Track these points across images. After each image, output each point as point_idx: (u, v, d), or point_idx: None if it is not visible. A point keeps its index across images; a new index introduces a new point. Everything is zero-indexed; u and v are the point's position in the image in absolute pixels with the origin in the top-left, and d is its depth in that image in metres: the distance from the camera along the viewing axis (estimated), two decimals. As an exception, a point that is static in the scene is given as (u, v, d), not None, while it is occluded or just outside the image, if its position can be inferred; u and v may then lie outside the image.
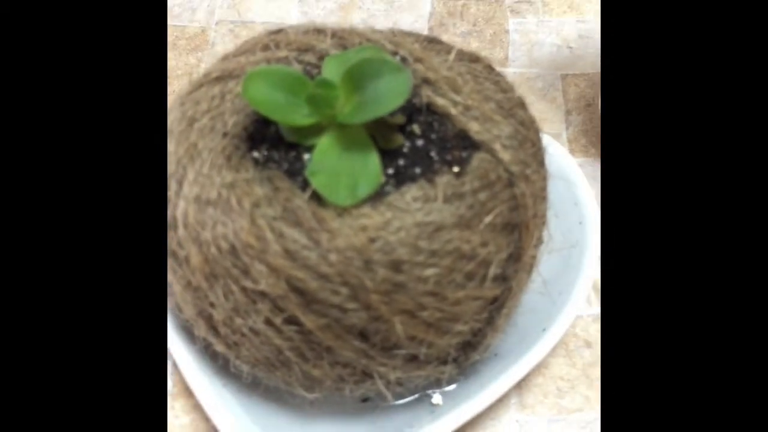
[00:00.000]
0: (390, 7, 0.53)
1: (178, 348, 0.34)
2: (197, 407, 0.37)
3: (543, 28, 0.52)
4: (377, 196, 0.27)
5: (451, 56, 0.32)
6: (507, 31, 0.52)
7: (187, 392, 0.37)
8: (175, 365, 0.38)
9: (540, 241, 0.31)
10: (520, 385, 0.37)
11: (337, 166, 0.28)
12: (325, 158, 0.28)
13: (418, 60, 0.31)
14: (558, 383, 0.37)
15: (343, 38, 0.32)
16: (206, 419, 0.36)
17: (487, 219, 0.28)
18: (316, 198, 0.27)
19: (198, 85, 0.32)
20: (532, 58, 0.50)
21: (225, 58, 0.33)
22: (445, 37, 0.50)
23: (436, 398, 0.34)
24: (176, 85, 0.49)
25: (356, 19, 0.52)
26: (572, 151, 0.45)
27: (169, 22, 0.52)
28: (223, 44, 0.52)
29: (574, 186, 0.38)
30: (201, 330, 0.31)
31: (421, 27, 0.52)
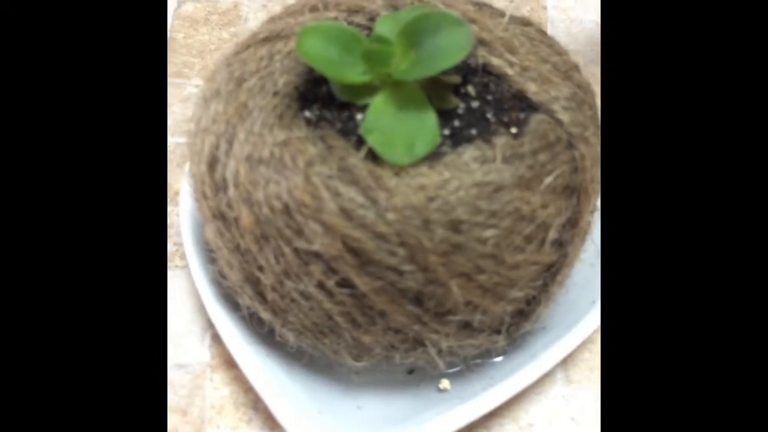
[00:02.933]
0: (425, -17, 0.52)
1: (219, 317, 0.34)
2: (237, 379, 0.36)
3: (581, 4, 0.51)
4: (434, 156, 0.27)
5: (505, 19, 0.31)
6: (545, 8, 0.51)
7: (227, 364, 0.37)
8: (214, 337, 0.37)
9: (595, 207, 0.31)
10: (566, 360, 0.36)
11: (393, 125, 0.27)
12: (380, 116, 0.27)
13: (472, 21, 0.30)
14: (605, 359, 0.36)
15: (394, -1, 0.31)
16: (246, 391, 0.36)
17: (548, 180, 0.27)
18: (372, 157, 0.26)
19: (245, 47, 0.31)
20: (570, 34, 0.49)
21: (271, 19, 0.33)
22: (482, 13, 0.49)
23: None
24: (209, 59, 0.49)
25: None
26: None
27: (202, -4, 0.52)
28: (256, 19, 0.51)
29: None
30: (246, 296, 0.31)
31: (457, 3, 0.51)
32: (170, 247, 0.40)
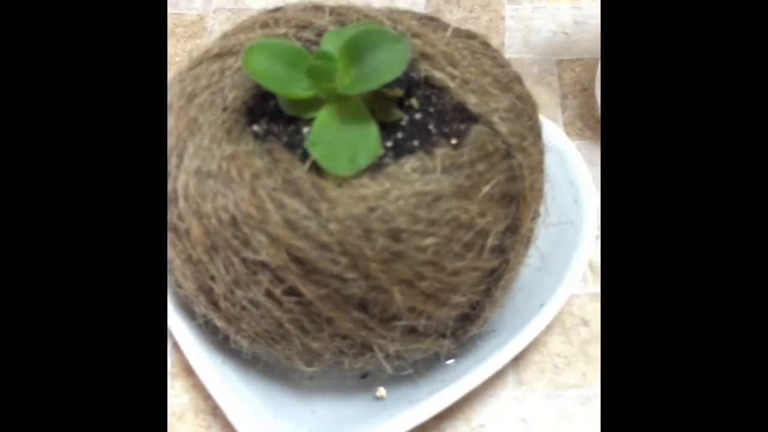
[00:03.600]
0: (387, -5, 0.53)
1: (177, 325, 0.34)
2: (196, 386, 0.37)
3: (539, 14, 0.52)
4: (376, 167, 0.28)
5: (448, 32, 0.32)
6: (503, 18, 0.52)
7: (186, 371, 0.37)
8: (174, 345, 0.38)
9: (537, 214, 0.32)
10: (517, 363, 0.37)
11: (337, 138, 0.28)
12: (324, 130, 0.28)
13: (416, 35, 0.31)
14: (555, 360, 0.37)
15: (341, 15, 0.32)
16: (205, 398, 0.37)
17: (485, 189, 0.28)
18: (316, 169, 0.27)
19: (197, 62, 0.32)
20: (528, 43, 0.51)
21: (224, 36, 0.33)
22: (441, 23, 0.50)
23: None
24: (174, 71, 0.50)
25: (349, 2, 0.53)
26: (568, 134, 0.45)
27: (168, 10, 0.53)
28: (221, 31, 0.52)
29: (570, 165, 0.38)
30: (201, 305, 0.31)
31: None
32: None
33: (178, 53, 0.51)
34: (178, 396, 0.37)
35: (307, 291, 0.28)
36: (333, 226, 0.27)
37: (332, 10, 0.32)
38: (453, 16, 0.52)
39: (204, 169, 0.28)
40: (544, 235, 0.34)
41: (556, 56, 0.50)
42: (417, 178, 0.27)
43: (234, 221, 0.27)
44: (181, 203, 0.29)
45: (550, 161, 0.33)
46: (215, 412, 0.36)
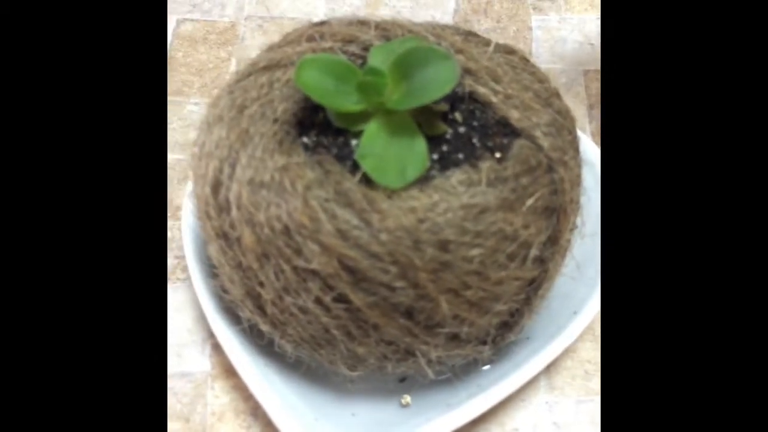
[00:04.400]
0: (415, 4, 0.54)
1: (220, 329, 0.35)
2: (236, 387, 0.38)
3: (565, 25, 0.53)
4: (424, 180, 0.29)
5: (491, 48, 0.33)
6: (530, 28, 0.53)
7: (227, 373, 0.38)
8: (214, 346, 0.39)
9: (574, 225, 0.33)
10: (549, 368, 0.38)
11: (386, 151, 0.29)
12: (373, 143, 0.29)
13: (459, 51, 0.32)
14: (586, 366, 0.38)
15: (386, 30, 0.33)
16: (246, 399, 0.38)
17: (529, 202, 0.29)
18: (366, 181, 0.28)
19: (246, 74, 0.33)
20: (554, 54, 0.52)
21: (271, 48, 0.34)
22: (470, 33, 0.51)
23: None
24: (207, 77, 0.51)
25: (382, 15, 0.54)
26: (596, 144, 0.46)
27: (200, 17, 0.54)
28: (252, 39, 0.53)
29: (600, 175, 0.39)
30: (247, 310, 0.32)
31: (446, 23, 0.53)
32: (171, 261, 0.42)
33: (212, 60, 0.52)
34: (218, 397, 0.38)
35: (356, 298, 0.29)
36: (384, 237, 0.27)
37: (377, 25, 0.33)
38: (481, 26, 0.53)
39: (257, 179, 0.29)
40: (579, 245, 0.35)
41: (583, 66, 0.51)
42: (463, 191, 0.28)
43: (287, 230, 0.28)
44: (234, 212, 0.30)
45: (583, 173, 0.34)
46: (255, 412, 0.37)
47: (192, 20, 0.54)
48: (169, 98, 0.49)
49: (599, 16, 0.53)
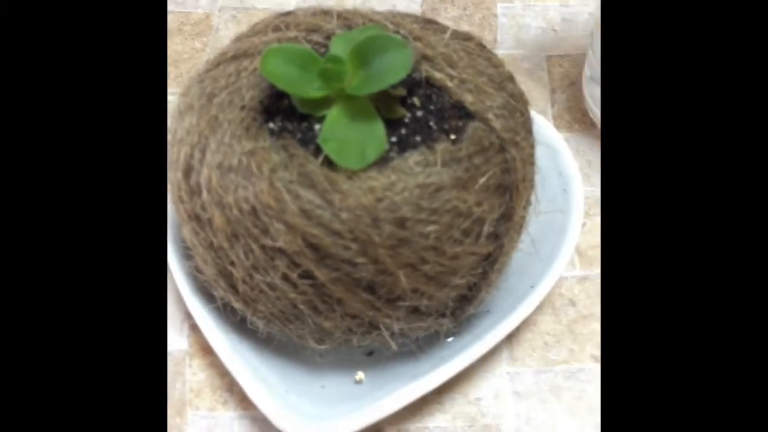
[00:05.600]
0: (384, -7, 0.56)
1: (196, 308, 0.37)
2: (212, 365, 0.40)
3: (529, 12, 0.55)
4: (383, 161, 0.30)
5: (447, 35, 0.35)
6: (495, 15, 0.55)
7: (203, 351, 0.40)
8: (191, 327, 0.41)
9: (528, 203, 0.35)
10: (510, 340, 0.40)
11: (347, 134, 0.31)
12: (335, 127, 0.31)
13: (417, 38, 0.34)
14: (545, 338, 0.40)
15: (348, 19, 0.35)
16: (222, 375, 0.39)
17: (482, 180, 0.31)
18: (328, 163, 0.30)
19: (215, 64, 0.35)
20: (519, 40, 0.53)
21: (239, 38, 0.36)
22: (436, 21, 0.53)
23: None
24: (183, 68, 0.52)
25: (352, 4, 0.55)
26: (557, 127, 0.48)
27: (174, 8, 0.55)
28: (226, 29, 0.54)
29: (559, 157, 0.41)
30: (220, 288, 0.34)
31: (414, 11, 0.54)
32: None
33: (186, 50, 0.53)
34: (195, 374, 0.40)
35: (321, 274, 0.30)
36: (344, 215, 0.29)
37: (339, 15, 0.35)
38: (448, 14, 0.55)
39: (226, 163, 0.31)
40: (535, 222, 0.37)
41: (546, 52, 0.53)
42: (420, 171, 0.30)
43: (254, 211, 0.30)
44: (204, 195, 0.31)
45: (540, 153, 0.36)
46: (231, 388, 0.39)
47: (167, 11, 0.55)
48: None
49: (562, 3, 0.55)
